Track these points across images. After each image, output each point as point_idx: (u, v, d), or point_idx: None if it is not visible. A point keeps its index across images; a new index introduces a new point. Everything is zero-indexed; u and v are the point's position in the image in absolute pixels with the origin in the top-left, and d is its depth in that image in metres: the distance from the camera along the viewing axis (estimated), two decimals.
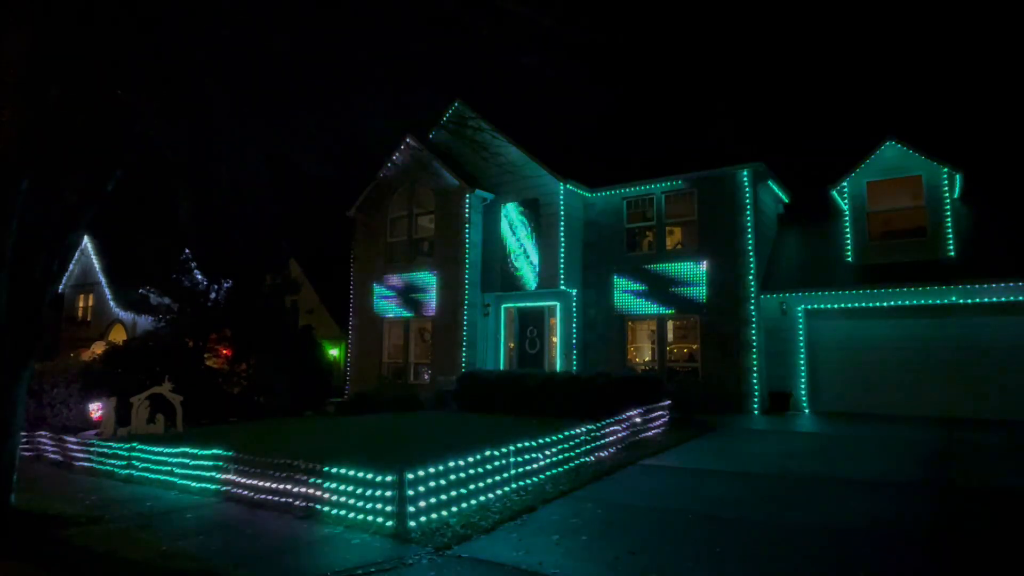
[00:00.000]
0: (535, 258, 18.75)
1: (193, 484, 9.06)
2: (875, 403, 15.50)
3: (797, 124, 22.34)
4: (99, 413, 14.59)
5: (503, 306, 19.61)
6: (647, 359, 18.76)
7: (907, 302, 15.40)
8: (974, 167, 16.74)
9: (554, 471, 8.98)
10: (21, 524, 7.32)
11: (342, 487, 7.32)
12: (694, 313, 17.44)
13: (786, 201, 20.34)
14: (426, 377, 19.87)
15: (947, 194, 15.74)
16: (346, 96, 8.95)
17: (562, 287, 18.30)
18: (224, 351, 20.26)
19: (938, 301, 15.04)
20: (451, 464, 7.47)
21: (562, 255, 18.24)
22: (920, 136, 16.85)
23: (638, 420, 11.93)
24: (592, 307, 18.99)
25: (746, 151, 17.41)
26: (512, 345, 19.63)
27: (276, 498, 7.90)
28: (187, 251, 23.17)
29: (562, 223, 18.32)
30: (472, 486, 7.56)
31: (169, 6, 7.18)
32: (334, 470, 7.58)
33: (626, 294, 18.50)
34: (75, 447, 11.86)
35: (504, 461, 8.16)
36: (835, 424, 14.42)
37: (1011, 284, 14.22)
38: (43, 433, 13.09)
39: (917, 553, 5.87)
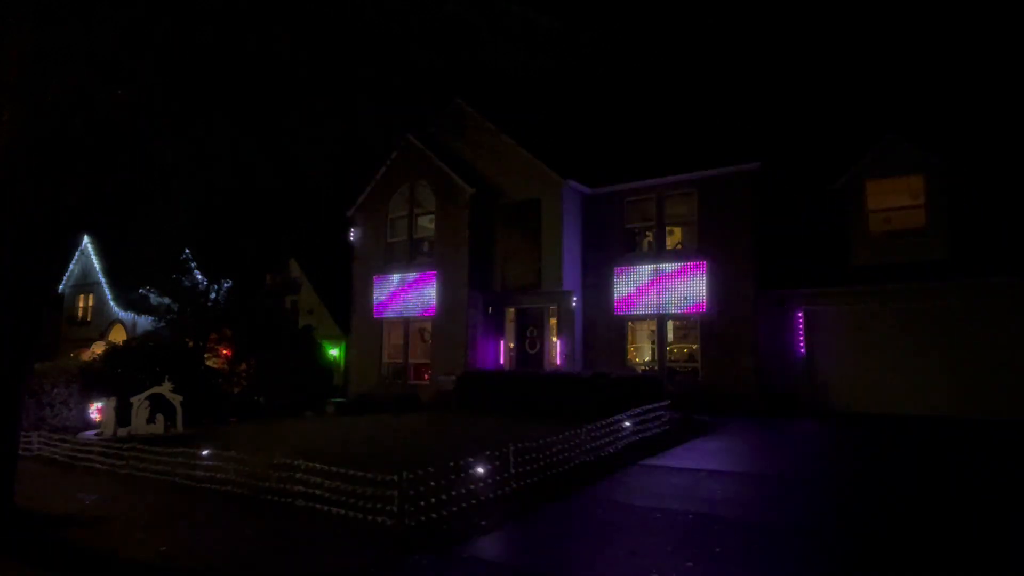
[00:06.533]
0: (535, 257, 18.72)
1: (193, 484, 9.06)
2: (876, 402, 15.49)
3: (798, 122, 22.29)
4: (99, 413, 14.59)
5: (503, 306, 19.60)
6: (647, 359, 18.75)
7: (908, 301, 15.39)
8: (975, 164, 16.72)
9: (554, 471, 8.96)
10: (21, 524, 7.33)
11: (342, 487, 7.32)
12: (694, 313, 17.42)
13: (785, 199, 20.29)
14: (426, 377, 19.87)
15: (948, 191, 15.71)
16: (346, 95, 8.94)
17: (562, 287, 18.29)
18: (224, 351, 20.26)
19: (939, 299, 15.03)
20: (450, 464, 7.48)
21: (562, 255, 18.23)
22: (921, 133, 16.83)
23: (638, 420, 11.92)
24: (592, 307, 18.98)
25: (746, 150, 17.39)
26: (512, 345, 19.62)
27: (276, 498, 7.90)
28: (187, 251, 23.16)
29: (562, 222, 18.31)
30: (472, 486, 7.56)
31: (169, 6, 7.17)
32: (334, 470, 7.59)
33: (626, 294, 18.48)
34: (75, 447, 11.86)
35: (504, 462, 8.15)
36: (835, 424, 14.41)
37: (1013, 281, 14.22)
38: (43, 433, 13.09)
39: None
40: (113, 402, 13.89)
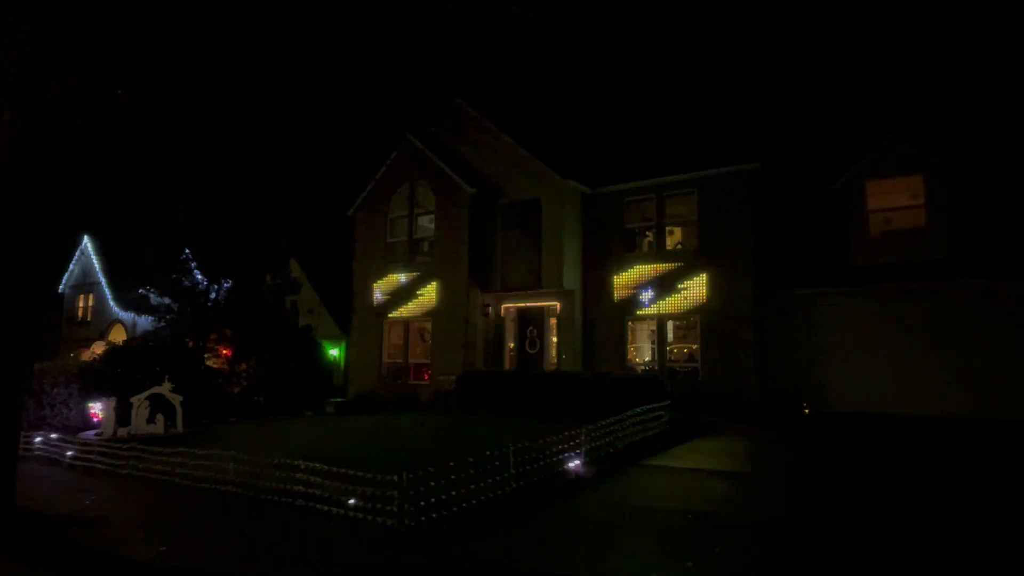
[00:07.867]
0: (535, 257, 18.71)
1: (193, 484, 9.06)
2: (876, 403, 15.46)
3: (797, 122, 22.25)
4: (99, 413, 14.59)
5: (503, 306, 19.58)
6: (647, 359, 18.74)
7: (908, 301, 15.38)
8: (975, 164, 16.70)
9: (554, 471, 8.96)
10: (22, 524, 7.33)
11: (342, 487, 7.32)
12: (694, 313, 17.42)
13: (785, 199, 20.25)
14: (426, 377, 19.86)
15: (948, 191, 15.70)
16: (346, 95, 8.94)
17: (562, 287, 18.27)
18: (224, 351, 20.27)
19: (939, 299, 15.02)
20: (450, 464, 7.47)
21: (562, 255, 18.22)
22: (921, 133, 16.82)
23: (638, 420, 11.92)
24: (592, 307, 18.96)
25: (746, 150, 17.38)
26: (512, 345, 19.61)
27: (277, 498, 7.90)
28: (187, 251, 23.16)
29: (563, 222, 18.29)
30: (471, 486, 7.55)
31: (169, 6, 7.17)
32: (334, 470, 7.59)
33: (626, 294, 18.47)
34: (75, 447, 11.86)
35: (504, 462, 8.15)
36: (835, 424, 14.42)
37: (1013, 281, 14.22)
38: (43, 433, 13.09)
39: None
40: (113, 402, 13.88)
